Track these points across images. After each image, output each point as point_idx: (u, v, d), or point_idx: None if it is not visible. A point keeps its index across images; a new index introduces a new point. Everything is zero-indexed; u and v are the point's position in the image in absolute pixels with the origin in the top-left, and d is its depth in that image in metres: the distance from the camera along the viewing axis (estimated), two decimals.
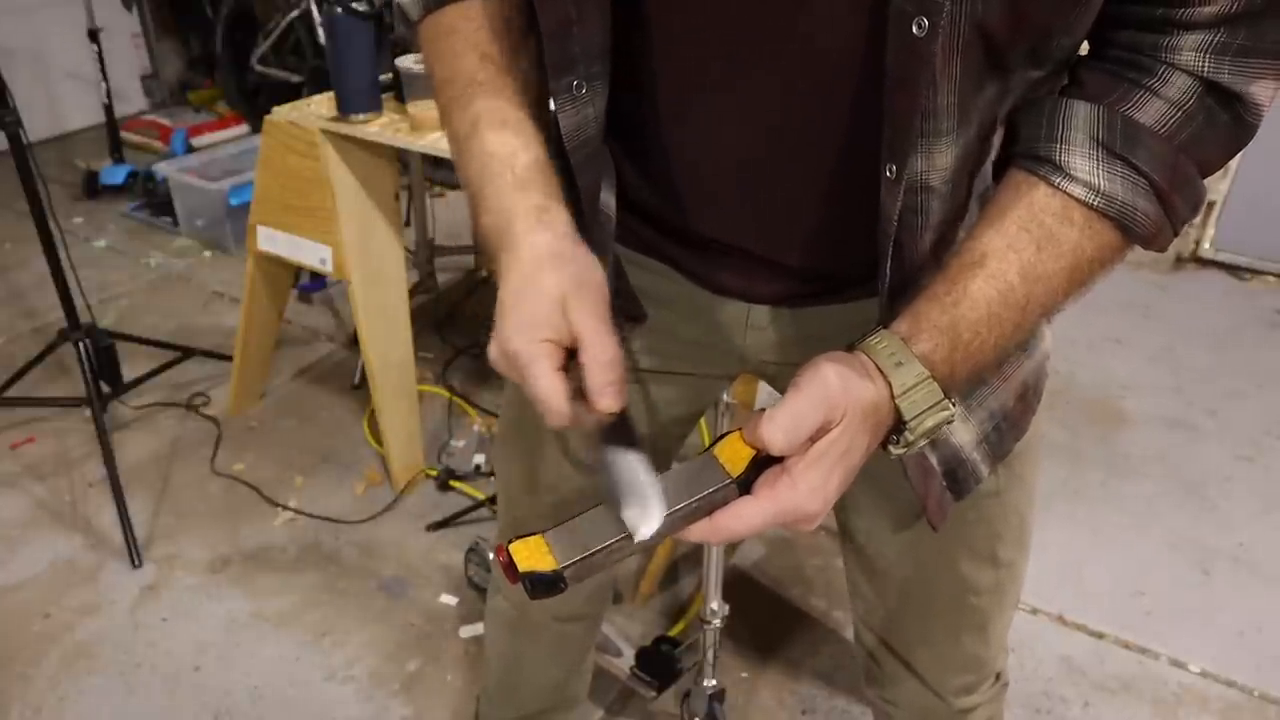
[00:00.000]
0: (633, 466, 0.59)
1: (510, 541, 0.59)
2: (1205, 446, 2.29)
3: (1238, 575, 1.91)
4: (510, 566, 0.59)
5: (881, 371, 0.60)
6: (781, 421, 0.57)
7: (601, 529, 0.59)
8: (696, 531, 0.59)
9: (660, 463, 1.01)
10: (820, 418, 0.57)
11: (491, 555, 0.56)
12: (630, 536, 0.58)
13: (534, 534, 0.60)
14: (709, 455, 0.60)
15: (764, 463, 0.59)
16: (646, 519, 0.57)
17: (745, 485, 0.59)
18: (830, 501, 0.59)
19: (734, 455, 0.59)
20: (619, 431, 0.60)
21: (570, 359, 0.61)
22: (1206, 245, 3.06)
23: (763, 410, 0.58)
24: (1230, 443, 2.29)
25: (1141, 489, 2.15)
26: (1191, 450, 2.27)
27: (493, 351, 0.62)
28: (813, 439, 0.58)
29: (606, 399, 0.59)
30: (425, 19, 0.75)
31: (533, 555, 0.59)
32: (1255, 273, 3.05)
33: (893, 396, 0.60)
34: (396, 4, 0.77)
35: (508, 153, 0.67)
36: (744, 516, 0.58)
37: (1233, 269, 3.06)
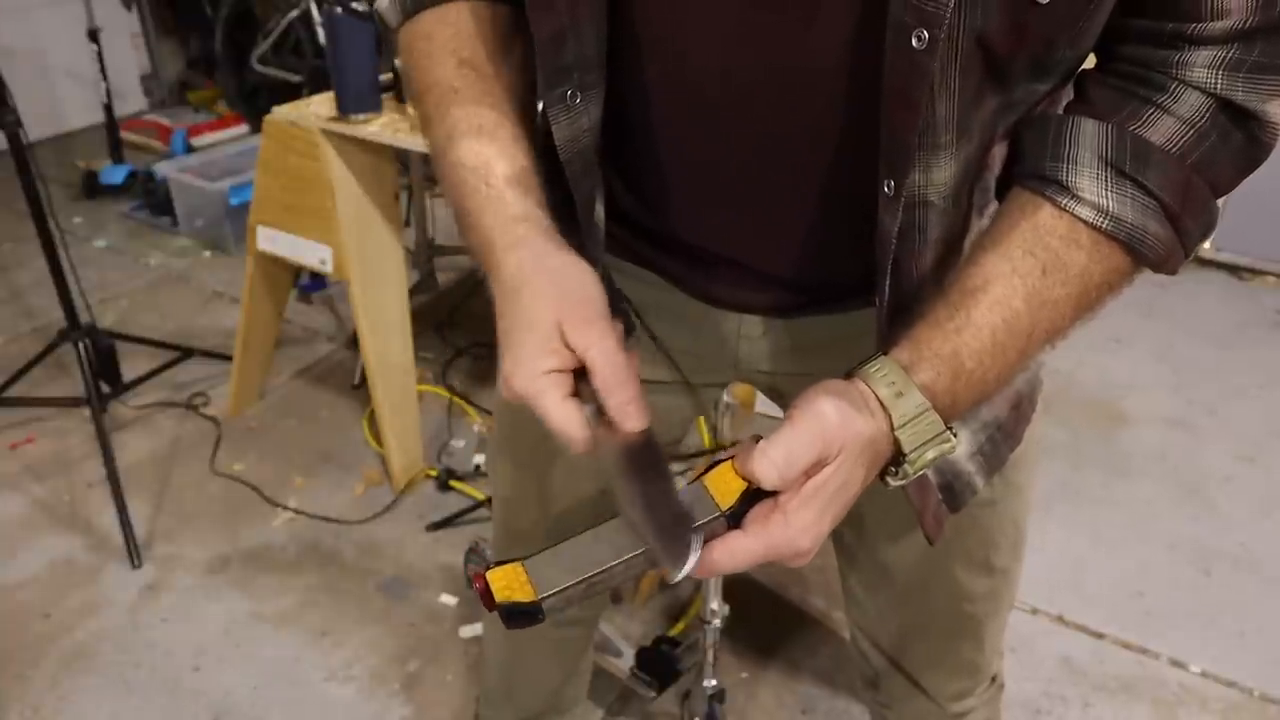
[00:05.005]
0: (662, 495, 0.56)
1: (489, 568, 0.58)
2: (1206, 446, 2.28)
3: (1238, 576, 1.91)
4: (487, 594, 0.57)
5: (881, 402, 0.58)
6: (775, 457, 0.55)
7: (584, 559, 0.57)
8: None
9: None
10: (815, 454, 0.55)
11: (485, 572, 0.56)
12: (614, 568, 0.56)
13: (513, 561, 0.58)
14: (699, 484, 0.58)
15: (755, 495, 0.56)
16: (682, 556, 0.54)
17: (736, 518, 0.56)
18: (823, 538, 0.57)
19: (725, 486, 0.57)
20: (644, 454, 0.57)
21: (580, 379, 0.59)
22: (1207, 245, 3.06)
23: (757, 439, 0.56)
24: (1231, 443, 2.29)
25: (1142, 489, 2.15)
26: (1192, 450, 2.27)
27: (503, 390, 0.60)
28: (808, 474, 0.56)
29: (630, 419, 0.57)
30: (404, 25, 0.73)
31: (511, 584, 0.57)
32: (1256, 272, 3.05)
33: (892, 429, 0.58)
34: (377, 11, 0.75)
35: (481, 164, 0.65)
36: (734, 552, 0.56)
37: (1233, 269, 3.06)
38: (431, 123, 0.69)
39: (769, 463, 0.55)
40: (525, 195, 0.64)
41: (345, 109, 1.77)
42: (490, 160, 0.65)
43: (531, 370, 0.58)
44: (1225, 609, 1.83)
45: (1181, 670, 1.71)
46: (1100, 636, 1.77)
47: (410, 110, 1.75)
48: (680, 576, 0.54)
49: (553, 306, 0.59)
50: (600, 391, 0.57)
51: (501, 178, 0.64)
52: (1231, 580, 1.90)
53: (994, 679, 1.01)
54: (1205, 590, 1.88)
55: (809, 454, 0.55)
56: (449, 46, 0.70)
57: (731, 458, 0.57)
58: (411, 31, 0.72)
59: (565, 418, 0.57)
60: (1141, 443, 2.29)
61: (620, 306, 0.82)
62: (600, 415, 0.58)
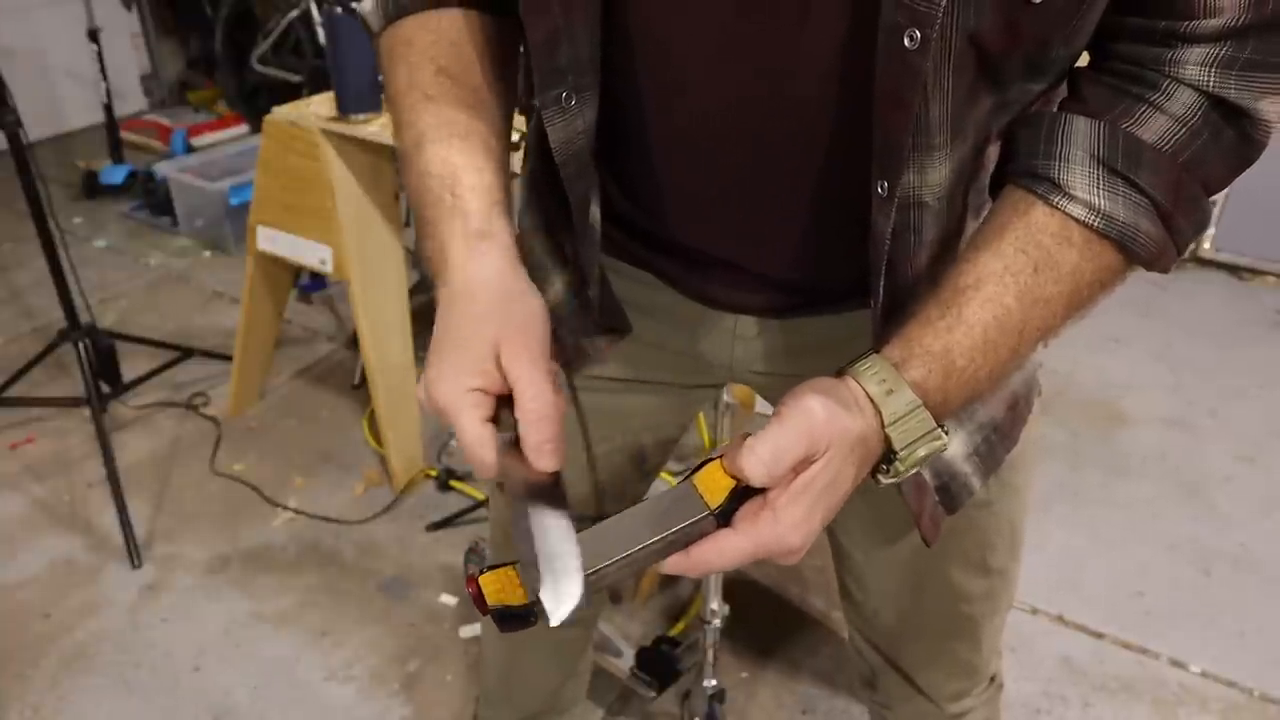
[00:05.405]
0: (558, 536, 0.55)
1: (481, 572, 0.57)
2: (1205, 446, 2.28)
3: (1238, 576, 1.91)
4: (480, 598, 0.57)
5: (871, 399, 0.58)
6: (762, 454, 0.54)
7: None
8: (673, 564, 0.57)
9: (648, 472, 1.00)
10: (803, 450, 0.55)
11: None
12: (606, 570, 0.55)
13: (505, 565, 0.58)
14: (688, 484, 0.58)
15: (744, 493, 0.56)
16: (562, 600, 0.53)
17: (725, 516, 0.56)
18: (814, 535, 0.57)
19: (714, 485, 0.57)
20: (548, 492, 0.56)
21: (503, 406, 0.58)
22: (1206, 245, 3.06)
23: (745, 436, 0.56)
24: (1230, 443, 2.29)
25: (1141, 489, 2.15)
26: (1191, 450, 2.27)
27: (420, 394, 0.59)
28: (796, 471, 0.56)
29: (544, 458, 0.56)
30: (386, 29, 0.73)
31: (503, 587, 0.57)
32: (1255, 272, 3.04)
33: (883, 426, 0.58)
34: (360, 15, 0.75)
35: (448, 173, 0.64)
36: (723, 551, 0.56)
37: (1233, 269, 3.06)
38: (402, 128, 0.68)
39: (756, 459, 0.54)
40: (489, 209, 0.64)
41: (345, 109, 1.77)
42: (458, 170, 0.64)
43: (455, 385, 0.58)
44: (1225, 609, 1.83)
45: (1181, 670, 1.71)
46: (1100, 636, 1.77)
47: None
48: (555, 623, 0.53)
49: (495, 328, 0.58)
50: (521, 424, 0.56)
51: (466, 189, 0.64)
52: (1231, 580, 1.90)
53: (993, 679, 1.01)
54: (1205, 590, 1.88)
55: (796, 450, 0.55)
56: (428, 53, 0.69)
57: (720, 456, 0.57)
58: (393, 36, 0.72)
59: (479, 441, 0.57)
60: (1140, 443, 2.29)
61: (615, 308, 0.82)
62: (514, 446, 0.57)
